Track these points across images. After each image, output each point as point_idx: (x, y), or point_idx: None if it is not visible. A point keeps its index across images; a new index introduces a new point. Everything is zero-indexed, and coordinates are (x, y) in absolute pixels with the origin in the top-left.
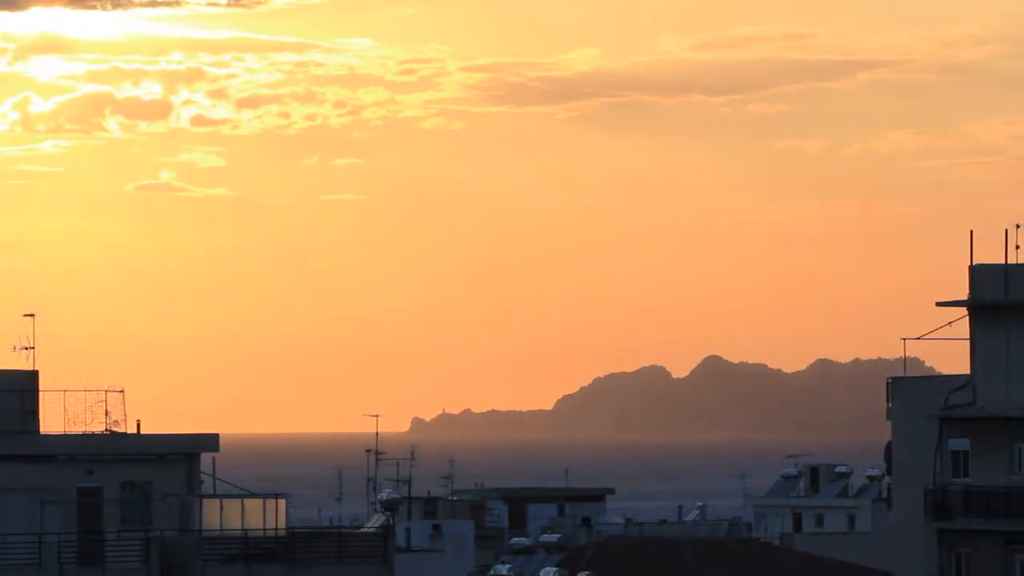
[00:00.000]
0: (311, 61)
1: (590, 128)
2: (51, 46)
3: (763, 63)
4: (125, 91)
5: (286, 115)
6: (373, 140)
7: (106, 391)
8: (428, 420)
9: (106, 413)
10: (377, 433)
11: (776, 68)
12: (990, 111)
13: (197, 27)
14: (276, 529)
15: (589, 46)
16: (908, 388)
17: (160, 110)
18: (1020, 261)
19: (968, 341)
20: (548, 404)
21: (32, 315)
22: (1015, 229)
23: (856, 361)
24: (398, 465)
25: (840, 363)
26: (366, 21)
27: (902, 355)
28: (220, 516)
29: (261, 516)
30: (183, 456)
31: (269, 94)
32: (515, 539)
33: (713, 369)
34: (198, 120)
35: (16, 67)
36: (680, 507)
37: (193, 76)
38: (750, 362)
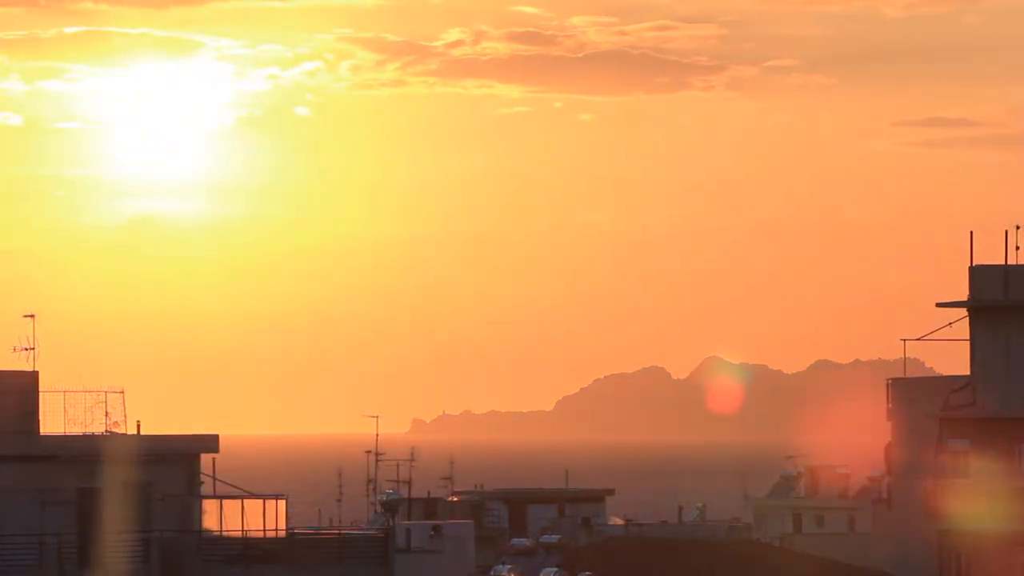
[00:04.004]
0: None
1: (589, 125)
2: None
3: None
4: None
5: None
6: (369, 136)
7: (106, 391)
8: (428, 421)
9: (106, 413)
10: (377, 434)
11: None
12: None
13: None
14: (276, 530)
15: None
16: (908, 388)
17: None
18: (1020, 261)
19: (968, 342)
20: (548, 404)
21: (32, 315)
22: (1015, 229)
23: (856, 362)
24: (398, 466)
25: (840, 363)
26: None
27: (902, 356)
28: (220, 516)
29: (261, 517)
30: (183, 456)
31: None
32: (515, 540)
33: (713, 369)
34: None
35: None
36: (680, 507)
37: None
38: (750, 362)
